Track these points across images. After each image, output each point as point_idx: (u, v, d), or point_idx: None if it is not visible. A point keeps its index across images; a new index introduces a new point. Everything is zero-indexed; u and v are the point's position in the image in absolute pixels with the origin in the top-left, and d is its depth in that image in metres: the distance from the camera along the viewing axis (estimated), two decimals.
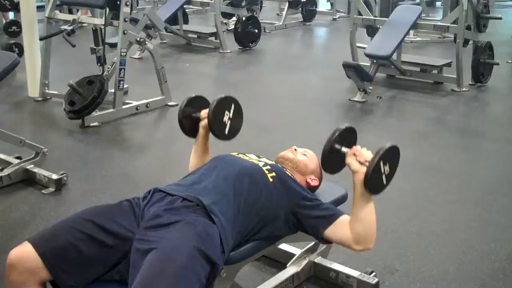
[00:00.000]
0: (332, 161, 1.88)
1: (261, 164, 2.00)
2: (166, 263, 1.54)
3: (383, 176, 1.81)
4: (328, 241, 1.98)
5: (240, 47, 7.38)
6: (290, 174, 2.04)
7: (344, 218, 1.90)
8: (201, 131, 2.21)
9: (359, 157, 1.81)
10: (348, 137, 1.91)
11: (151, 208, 1.76)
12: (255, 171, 1.95)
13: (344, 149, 1.86)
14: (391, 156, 1.82)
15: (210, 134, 2.19)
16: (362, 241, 1.87)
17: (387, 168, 1.80)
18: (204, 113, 2.17)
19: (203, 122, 2.18)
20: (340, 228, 1.89)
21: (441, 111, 5.08)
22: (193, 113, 2.22)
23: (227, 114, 2.16)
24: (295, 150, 2.19)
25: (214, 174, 1.90)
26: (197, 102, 2.24)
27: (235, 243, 1.82)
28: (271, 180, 1.93)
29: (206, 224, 1.70)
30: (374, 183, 1.79)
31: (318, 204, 1.95)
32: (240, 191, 1.85)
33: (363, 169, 1.77)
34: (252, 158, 2.07)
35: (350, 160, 1.82)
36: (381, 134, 4.33)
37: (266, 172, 1.95)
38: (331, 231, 1.90)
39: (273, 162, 2.08)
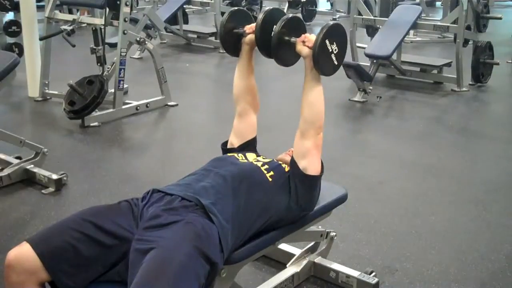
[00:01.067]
0: (285, 53, 1.92)
1: (259, 164, 1.99)
2: (165, 262, 1.54)
3: (332, 56, 1.85)
4: (308, 168, 1.95)
5: None
6: (286, 169, 2.04)
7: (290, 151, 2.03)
8: (245, 48, 2.15)
9: (308, 42, 1.85)
10: (296, 27, 1.93)
11: (150, 208, 1.76)
12: (254, 171, 1.95)
13: (293, 39, 1.90)
14: (336, 34, 1.86)
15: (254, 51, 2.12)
16: (310, 125, 1.93)
17: (334, 47, 1.85)
18: (249, 27, 2.10)
19: (248, 38, 2.10)
20: (295, 152, 1.97)
21: (441, 111, 5.08)
22: (236, 28, 2.11)
23: (274, 29, 2.00)
24: (292, 152, 2.19)
25: (213, 174, 1.90)
26: (240, 17, 2.13)
27: (236, 243, 1.82)
28: (270, 179, 1.93)
29: (205, 224, 1.70)
30: (323, 61, 1.85)
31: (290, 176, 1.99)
32: (239, 192, 1.85)
33: (312, 52, 1.82)
34: (250, 158, 2.06)
35: (299, 47, 1.88)
36: (381, 134, 4.33)
37: (265, 171, 1.95)
38: (300, 162, 1.94)
39: (270, 160, 2.08)
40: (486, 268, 2.48)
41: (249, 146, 2.20)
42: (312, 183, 1.98)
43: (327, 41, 1.82)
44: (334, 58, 1.87)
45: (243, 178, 1.89)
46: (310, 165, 1.96)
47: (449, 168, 3.65)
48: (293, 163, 1.98)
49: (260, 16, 2.01)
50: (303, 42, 1.89)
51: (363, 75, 5.05)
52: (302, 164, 1.95)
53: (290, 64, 2.00)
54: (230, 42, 2.14)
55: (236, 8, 2.16)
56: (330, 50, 1.85)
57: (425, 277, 2.40)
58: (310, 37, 1.88)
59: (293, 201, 1.95)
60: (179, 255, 1.56)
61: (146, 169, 3.61)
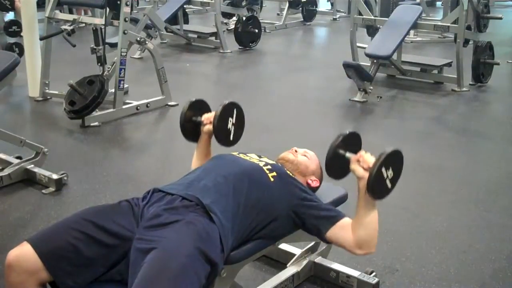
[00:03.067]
0: (337, 166, 1.88)
1: (261, 163, 1.99)
2: (166, 263, 1.54)
3: (387, 181, 1.79)
4: (329, 242, 1.98)
5: (240, 47, 7.38)
6: (291, 174, 2.04)
7: (346, 221, 1.90)
8: (204, 136, 2.24)
9: (363, 163, 1.79)
10: (352, 142, 1.90)
11: (151, 208, 1.76)
12: (256, 170, 1.94)
13: (348, 155, 1.85)
14: (393, 160, 1.80)
15: (212, 138, 2.21)
16: (365, 246, 1.86)
17: (390, 172, 1.79)
18: (205, 118, 2.20)
19: (206, 128, 2.20)
20: (342, 231, 1.88)
21: (441, 111, 5.07)
22: (195, 117, 2.24)
23: (230, 121, 2.19)
24: (296, 151, 2.19)
25: (214, 173, 1.90)
26: (198, 106, 2.27)
27: (236, 243, 1.82)
28: (272, 179, 1.93)
29: (206, 224, 1.70)
30: (377, 189, 1.78)
31: (319, 204, 1.95)
32: (240, 191, 1.84)
33: (367, 175, 1.76)
34: (252, 157, 2.06)
35: (354, 166, 1.82)
36: (382, 134, 4.33)
37: (267, 171, 1.95)
38: (333, 233, 1.90)
39: (274, 162, 2.08)
40: (486, 268, 2.48)
41: None
42: (318, 236, 1.97)
43: (383, 169, 1.77)
44: (388, 183, 1.81)
45: (244, 177, 1.89)
46: (330, 240, 1.93)
47: (449, 168, 3.65)
48: (330, 219, 1.91)
49: (218, 110, 2.14)
50: (358, 161, 1.82)
51: (364, 75, 5.04)
52: (331, 233, 1.90)
53: (339, 178, 1.95)
54: (189, 129, 2.26)
55: (194, 99, 2.28)
56: (385, 177, 1.79)
57: (425, 277, 2.40)
58: (366, 158, 1.80)
59: (297, 213, 1.93)
60: (180, 255, 1.56)
61: (146, 169, 3.61)
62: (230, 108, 2.20)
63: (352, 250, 1.88)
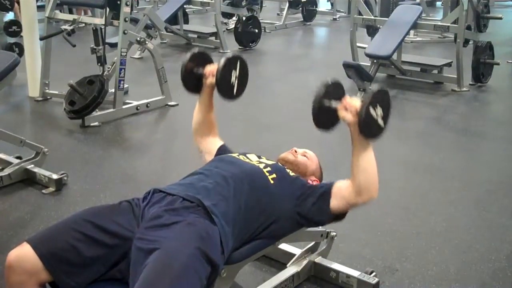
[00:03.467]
0: (325, 118, 1.88)
1: (261, 166, 1.99)
2: (168, 263, 1.54)
3: (378, 120, 1.81)
4: (339, 214, 1.95)
5: (240, 47, 7.38)
6: (290, 173, 2.04)
7: (338, 184, 1.93)
8: (206, 90, 2.20)
9: (350, 108, 1.81)
10: (336, 91, 1.90)
11: (151, 209, 1.76)
12: (256, 173, 1.94)
13: (334, 104, 1.86)
14: (380, 98, 1.82)
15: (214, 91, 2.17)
16: (365, 191, 1.87)
17: (379, 111, 1.81)
18: (208, 70, 2.15)
19: (208, 81, 2.15)
20: (339, 193, 1.90)
21: (441, 111, 5.07)
22: (197, 69, 2.18)
23: (234, 74, 2.12)
24: (295, 151, 2.19)
25: (214, 175, 1.90)
26: (200, 58, 2.20)
27: (237, 245, 1.82)
28: (272, 182, 1.93)
29: (207, 225, 1.70)
30: (370, 129, 1.81)
31: (313, 189, 1.97)
32: (241, 193, 1.84)
33: (357, 119, 1.78)
34: (252, 159, 2.06)
35: (342, 113, 1.83)
36: None
37: (267, 174, 1.95)
38: (334, 202, 1.91)
39: (274, 162, 2.07)
40: (486, 268, 2.48)
41: (223, 152, 2.20)
42: (326, 217, 1.96)
43: (371, 109, 1.78)
44: (380, 122, 1.81)
45: (244, 179, 1.88)
46: (337, 208, 1.93)
47: (449, 168, 3.64)
48: (325, 194, 1.93)
49: (221, 63, 2.08)
50: (345, 108, 1.82)
51: (364, 75, 5.04)
52: (333, 202, 1.92)
53: (330, 129, 1.95)
54: (191, 82, 2.21)
55: (197, 50, 2.23)
56: (376, 115, 1.80)
57: (425, 277, 2.40)
58: (352, 103, 1.81)
59: (300, 212, 1.94)
60: (182, 256, 1.56)
61: (146, 169, 3.61)
62: (234, 61, 2.12)
63: (355, 200, 1.89)
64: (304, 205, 1.93)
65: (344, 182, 1.92)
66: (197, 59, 2.19)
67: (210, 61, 2.20)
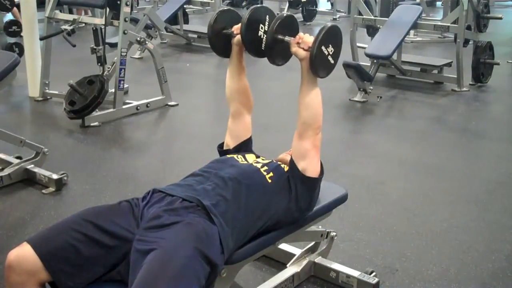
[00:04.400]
0: (278, 52, 1.89)
1: (259, 165, 1.99)
2: (166, 264, 1.54)
3: (329, 58, 1.85)
4: (307, 169, 1.95)
5: None
6: (285, 169, 2.04)
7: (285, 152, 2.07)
8: (234, 48, 2.11)
9: (303, 44, 1.84)
10: (289, 26, 1.91)
11: (151, 209, 1.76)
12: (254, 173, 1.94)
13: (287, 38, 1.88)
14: (331, 36, 1.85)
15: (245, 52, 2.10)
16: (308, 127, 1.93)
17: (330, 49, 1.84)
18: (236, 28, 2.05)
19: (236, 39, 2.05)
20: (293, 152, 1.97)
21: (441, 111, 5.07)
22: (224, 29, 2.07)
23: (262, 28, 1.97)
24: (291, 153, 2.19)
25: (213, 176, 1.90)
26: (229, 17, 2.09)
27: (236, 244, 1.81)
28: (269, 181, 1.93)
29: (206, 225, 1.70)
30: (320, 66, 1.84)
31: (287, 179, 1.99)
32: (239, 194, 1.84)
33: (309, 55, 1.82)
34: (250, 159, 2.06)
35: (294, 49, 1.86)
36: (381, 134, 4.33)
37: (264, 173, 1.95)
38: (294, 159, 1.96)
39: (270, 161, 2.07)
40: (486, 268, 2.48)
41: (245, 146, 2.20)
42: (312, 184, 1.98)
43: (323, 47, 1.81)
44: (330, 59, 1.86)
45: (242, 180, 1.88)
46: (309, 166, 1.95)
47: (449, 168, 3.64)
48: (292, 165, 1.98)
49: (245, 16, 1.96)
50: (298, 43, 1.86)
51: (364, 75, 5.05)
52: (301, 165, 1.95)
53: (282, 63, 1.98)
54: (219, 44, 2.10)
55: (224, 8, 2.12)
56: (327, 53, 1.84)
57: (425, 277, 2.40)
58: (305, 39, 1.85)
59: (293, 202, 1.95)
60: (180, 256, 1.56)
61: (146, 169, 3.61)
62: (259, 13, 1.97)
63: (301, 137, 1.93)
64: (294, 195, 1.95)
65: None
66: (224, 19, 2.06)
67: (238, 19, 2.04)
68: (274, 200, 1.91)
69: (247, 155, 2.09)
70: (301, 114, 1.94)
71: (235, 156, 2.07)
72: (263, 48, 2.00)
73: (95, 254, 1.65)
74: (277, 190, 1.93)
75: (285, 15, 1.92)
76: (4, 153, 3.48)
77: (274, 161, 2.08)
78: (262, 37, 1.99)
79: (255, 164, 2.00)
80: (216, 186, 1.84)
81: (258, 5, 2.05)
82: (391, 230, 2.79)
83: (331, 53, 1.85)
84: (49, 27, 4.88)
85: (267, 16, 2.00)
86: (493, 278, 2.41)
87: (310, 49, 1.82)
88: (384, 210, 3.02)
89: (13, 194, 3.19)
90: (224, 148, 2.21)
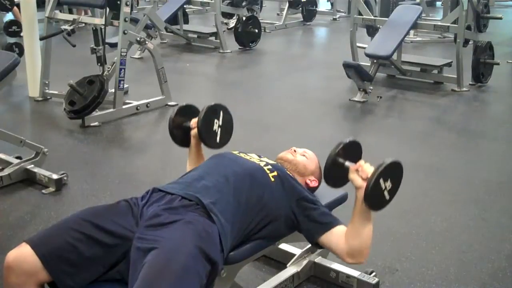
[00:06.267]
0: (336, 175, 1.85)
1: (262, 163, 1.99)
2: (167, 262, 1.54)
3: (385, 192, 1.76)
4: (320, 247, 1.98)
5: (240, 47, 7.38)
6: (291, 174, 2.04)
7: (341, 229, 1.89)
8: (192, 140, 2.22)
9: (362, 173, 1.77)
10: (352, 151, 1.88)
11: (150, 208, 1.76)
12: (257, 170, 1.94)
13: (347, 164, 1.83)
14: (392, 171, 1.78)
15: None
16: (357, 255, 1.86)
17: (388, 184, 1.76)
18: (193, 122, 2.17)
19: (193, 132, 2.17)
20: (335, 238, 1.88)
21: (441, 111, 5.07)
22: (184, 122, 2.21)
23: (216, 123, 2.15)
24: (294, 151, 2.19)
25: (214, 172, 1.90)
26: (188, 111, 2.23)
27: (235, 243, 1.82)
28: (272, 179, 1.93)
29: (206, 223, 1.70)
30: (374, 200, 1.76)
31: (317, 208, 1.94)
32: (241, 191, 1.84)
33: (365, 186, 1.73)
34: (253, 157, 2.06)
35: (352, 176, 1.79)
36: (382, 134, 4.33)
37: (268, 171, 1.95)
38: (326, 238, 1.89)
39: (274, 162, 2.08)
40: (486, 268, 2.48)
41: None
42: (311, 240, 1.96)
43: (381, 181, 1.74)
44: (386, 194, 1.78)
45: (245, 176, 1.88)
46: (323, 245, 1.93)
47: (449, 168, 3.64)
48: (325, 226, 1.91)
49: (201, 112, 2.11)
50: (357, 170, 1.80)
51: (364, 75, 5.04)
52: (325, 238, 1.90)
53: (338, 186, 1.93)
54: (178, 135, 2.23)
55: (184, 104, 2.25)
56: (383, 188, 1.76)
57: (425, 277, 2.40)
58: (365, 168, 1.78)
59: (296, 213, 1.93)
60: (181, 255, 1.56)
61: (146, 169, 3.61)
62: (214, 110, 2.16)
63: (343, 257, 1.88)
64: (302, 212, 1.92)
65: (344, 231, 1.88)
66: (184, 113, 2.22)
67: (197, 113, 2.19)
68: (276, 199, 1.90)
69: (249, 154, 2.09)
70: (350, 242, 1.84)
71: (237, 152, 2.08)
72: (217, 141, 2.16)
73: (94, 254, 1.65)
74: (280, 190, 1.92)
75: (349, 140, 1.89)
76: (4, 153, 3.48)
77: (278, 163, 2.08)
78: (216, 131, 2.15)
79: (258, 162, 2.00)
80: (217, 183, 1.84)
81: (213, 103, 2.17)
82: (391, 231, 2.79)
83: (388, 188, 1.77)
84: (49, 27, 4.88)
85: (221, 112, 2.16)
86: (493, 278, 2.41)
87: (368, 180, 1.74)
88: (383, 210, 3.00)
89: (13, 194, 3.18)
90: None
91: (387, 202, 1.80)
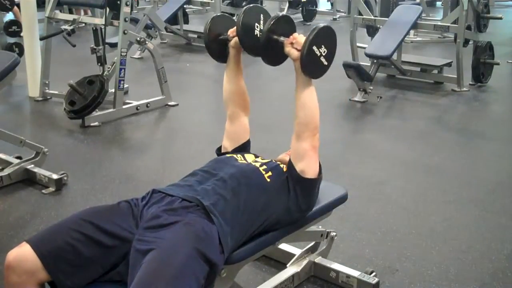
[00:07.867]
0: (272, 53, 1.88)
1: (257, 164, 1.99)
2: (164, 264, 1.53)
3: (321, 58, 1.81)
4: (306, 170, 1.94)
5: None
6: (284, 169, 2.04)
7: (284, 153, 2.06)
8: (231, 52, 2.12)
9: (296, 44, 1.82)
10: (285, 26, 1.89)
11: (150, 209, 1.76)
12: (252, 172, 1.94)
13: (282, 39, 1.86)
14: (324, 37, 1.82)
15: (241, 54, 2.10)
16: (304, 128, 1.91)
17: (323, 49, 1.81)
18: (231, 31, 2.06)
19: (233, 42, 2.07)
20: (292, 153, 1.95)
21: (441, 111, 5.07)
22: (220, 35, 2.08)
23: (257, 27, 1.98)
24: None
25: (212, 176, 1.90)
26: (222, 23, 2.10)
27: (236, 244, 1.81)
28: (268, 180, 1.93)
29: (205, 225, 1.70)
30: (312, 67, 1.82)
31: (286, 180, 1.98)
32: (239, 194, 1.84)
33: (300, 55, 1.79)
34: (249, 159, 2.06)
35: (288, 48, 1.84)
36: (382, 134, 4.33)
37: (263, 172, 1.95)
38: (292, 160, 1.95)
39: (269, 160, 2.07)
40: (486, 268, 2.48)
41: (243, 149, 2.20)
42: (310, 185, 1.97)
43: (314, 48, 1.78)
44: (323, 60, 1.83)
45: (242, 179, 1.88)
46: (307, 168, 1.95)
47: (449, 168, 3.64)
48: (290, 166, 1.97)
49: (240, 17, 1.96)
50: (292, 44, 1.85)
51: (364, 75, 5.05)
52: (299, 166, 1.95)
53: (278, 64, 1.96)
54: (216, 49, 2.12)
55: (217, 14, 2.14)
56: (319, 54, 1.81)
57: (425, 277, 2.40)
58: (299, 39, 1.83)
59: (292, 201, 1.95)
60: (178, 256, 1.56)
61: (146, 169, 3.61)
62: (255, 12, 1.98)
63: (299, 139, 1.92)
64: (293, 196, 1.95)
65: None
66: (219, 25, 2.08)
67: (233, 24, 2.06)
68: (273, 199, 1.91)
69: (246, 155, 2.09)
70: (297, 115, 1.93)
71: (234, 155, 2.08)
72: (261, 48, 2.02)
73: (94, 254, 1.65)
74: (276, 189, 1.93)
75: (281, 14, 1.91)
76: (4, 153, 3.48)
77: (273, 161, 2.08)
78: (258, 36, 2.00)
79: (253, 163, 2.00)
80: (216, 186, 1.84)
81: (251, 5, 2.05)
82: (391, 230, 2.79)
83: (323, 54, 1.82)
84: (49, 27, 4.88)
85: (261, 15, 2.02)
86: (493, 278, 2.41)
87: (301, 49, 1.80)
88: (384, 210, 3.02)
89: (13, 194, 3.19)
90: (222, 151, 2.21)
91: (326, 67, 1.86)
